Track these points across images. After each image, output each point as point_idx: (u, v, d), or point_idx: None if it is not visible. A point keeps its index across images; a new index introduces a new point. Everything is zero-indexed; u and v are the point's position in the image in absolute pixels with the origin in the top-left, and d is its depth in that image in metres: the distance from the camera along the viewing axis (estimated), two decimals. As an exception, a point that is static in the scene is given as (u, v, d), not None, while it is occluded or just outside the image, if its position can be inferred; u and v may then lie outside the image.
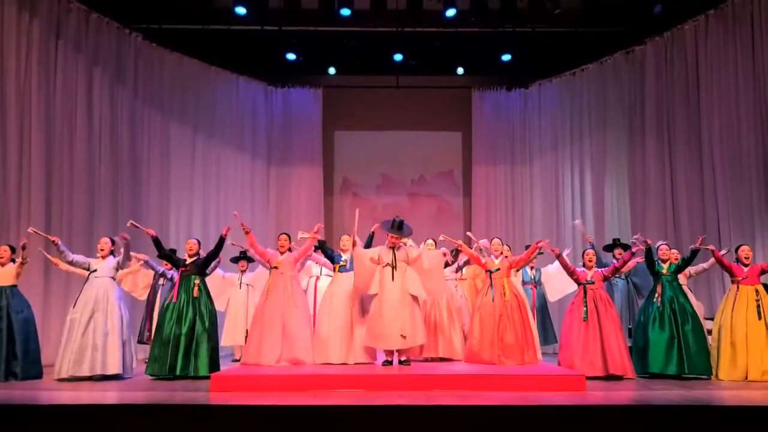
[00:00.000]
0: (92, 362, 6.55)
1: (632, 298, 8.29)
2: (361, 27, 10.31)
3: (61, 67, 8.86)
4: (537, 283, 8.68)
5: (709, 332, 7.33)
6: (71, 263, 6.98)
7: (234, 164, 11.65)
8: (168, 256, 7.35)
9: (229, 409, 4.91)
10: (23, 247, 6.89)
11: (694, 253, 7.20)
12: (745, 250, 7.11)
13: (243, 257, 8.97)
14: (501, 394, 5.49)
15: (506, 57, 11.15)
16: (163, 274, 8.28)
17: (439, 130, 12.33)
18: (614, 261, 7.88)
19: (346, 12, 9.75)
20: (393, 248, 6.67)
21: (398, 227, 6.66)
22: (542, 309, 8.68)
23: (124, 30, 9.88)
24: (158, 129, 10.55)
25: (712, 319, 7.61)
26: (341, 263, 7.16)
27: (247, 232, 7.09)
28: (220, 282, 8.90)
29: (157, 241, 7.17)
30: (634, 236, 7.84)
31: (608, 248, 8.59)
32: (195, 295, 6.95)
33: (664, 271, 7.23)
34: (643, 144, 10.52)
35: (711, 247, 7.28)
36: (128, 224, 7.27)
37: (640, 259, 7.44)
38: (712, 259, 7.42)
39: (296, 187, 12.13)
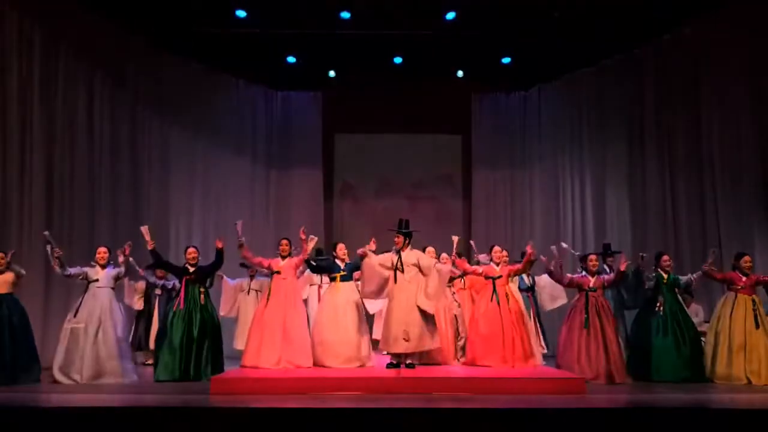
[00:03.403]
0: (99, 370, 6.65)
1: (621, 307, 8.28)
2: (360, 30, 10.31)
3: (62, 70, 8.87)
4: (532, 290, 8.66)
5: (703, 334, 7.44)
6: (68, 277, 7.02)
7: (234, 167, 11.64)
8: (166, 264, 7.37)
9: (228, 411, 4.91)
10: (13, 254, 6.92)
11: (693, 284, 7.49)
12: (747, 260, 7.20)
13: (244, 265, 8.94)
14: (500, 397, 5.50)
15: (506, 60, 11.16)
16: (163, 286, 8.31)
17: (438, 134, 12.31)
18: (606, 268, 8.03)
19: (345, 15, 9.78)
20: (399, 251, 6.68)
21: (405, 226, 6.77)
22: (537, 316, 8.64)
23: (125, 34, 9.88)
24: (158, 132, 10.56)
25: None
26: (342, 272, 7.15)
27: (240, 246, 7.10)
28: (230, 290, 8.97)
29: (155, 253, 7.21)
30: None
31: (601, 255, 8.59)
32: (202, 302, 7.07)
33: (665, 281, 7.29)
34: (643, 146, 10.52)
35: (715, 275, 7.38)
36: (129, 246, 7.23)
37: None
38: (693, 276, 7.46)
39: (296, 191, 12.12)
